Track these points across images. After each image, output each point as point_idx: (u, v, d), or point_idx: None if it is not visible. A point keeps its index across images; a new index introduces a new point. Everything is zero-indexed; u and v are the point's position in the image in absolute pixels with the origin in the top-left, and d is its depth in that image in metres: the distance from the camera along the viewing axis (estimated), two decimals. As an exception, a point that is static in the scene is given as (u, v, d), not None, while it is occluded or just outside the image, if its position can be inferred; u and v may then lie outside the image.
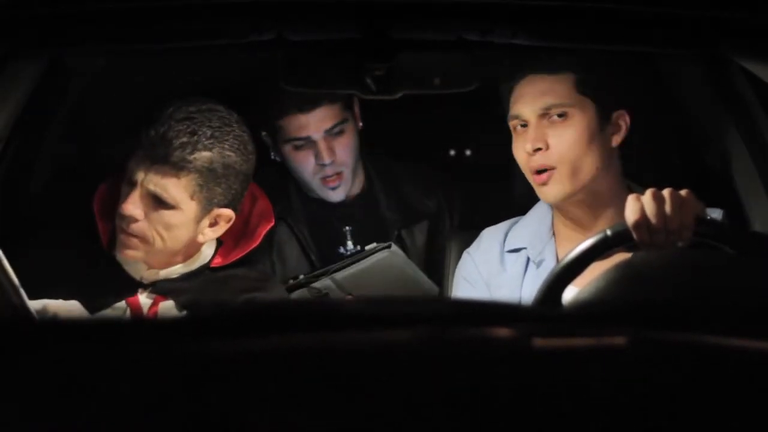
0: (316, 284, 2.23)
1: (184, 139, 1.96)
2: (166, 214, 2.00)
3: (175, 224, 2.01)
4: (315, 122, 2.34)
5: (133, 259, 2.05)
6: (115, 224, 2.05)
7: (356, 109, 2.43)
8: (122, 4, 1.64)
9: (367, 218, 2.48)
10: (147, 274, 2.09)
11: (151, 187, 1.98)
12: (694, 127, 2.31)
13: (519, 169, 2.28)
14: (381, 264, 2.25)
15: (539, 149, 1.98)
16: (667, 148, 2.37)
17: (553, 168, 1.98)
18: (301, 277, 2.27)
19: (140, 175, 1.98)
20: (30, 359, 0.86)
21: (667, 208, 1.67)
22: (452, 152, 2.80)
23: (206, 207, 2.02)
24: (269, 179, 2.46)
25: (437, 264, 2.38)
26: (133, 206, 1.98)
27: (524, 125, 2.02)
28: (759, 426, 0.79)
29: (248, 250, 2.17)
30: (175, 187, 1.98)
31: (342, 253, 2.44)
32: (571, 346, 0.90)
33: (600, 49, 1.96)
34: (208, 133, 1.98)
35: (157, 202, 1.99)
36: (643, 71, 2.28)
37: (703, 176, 2.25)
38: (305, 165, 2.38)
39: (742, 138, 2.15)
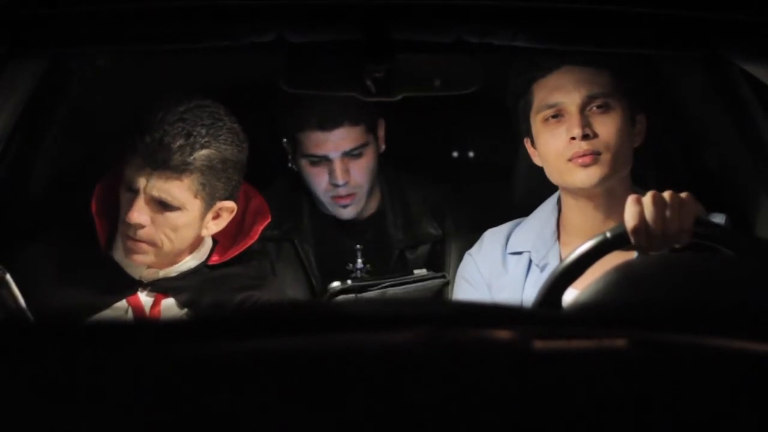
0: (364, 295, 2.20)
1: (181, 142, 1.97)
2: (173, 217, 2.01)
3: (182, 225, 2.03)
4: (334, 142, 2.31)
5: (143, 264, 2.07)
6: (120, 231, 2.06)
7: (381, 132, 2.40)
8: (122, 5, 1.64)
9: (376, 237, 2.46)
10: (146, 273, 2.10)
11: (155, 193, 1.99)
12: (694, 130, 2.31)
13: (520, 170, 2.29)
14: (433, 291, 2.23)
15: (587, 135, 1.97)
16: (668, 150, 2.37)
17: (599, 153, 1.97)
18: (349, 282, 2.23)
19: (142, 183, 1.99)
20: (30, 360, 0.86)
21: (667, 211, 1.66)
22: (455, 154, 2.80)
23: (209, 203, 2.04)
24: (282, 194, 2.45)
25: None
26: (138, 214, 1.99)
27: (556, 116, 2.00)
28: (759, 427, 0.79)
29: (245, 247, 2.18)
30: (179, 189, 1.99)
31: (350, 270, 2.42)
32: (571, 349, 0.90)
33: (600, 51, 1.97)
34: (203, 131, 1.99)
35: (163, 206, 2.00)
36: (645, 73, 2.28)
37: (703, 178, 2.25)
38: (318, 181, 2.36)
39: (742, 140, 2.15)
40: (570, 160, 1.98)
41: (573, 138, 1.97)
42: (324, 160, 2.34)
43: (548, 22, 1.69)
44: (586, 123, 1.97)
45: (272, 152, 2.44)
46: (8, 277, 1.76)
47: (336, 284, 2.20)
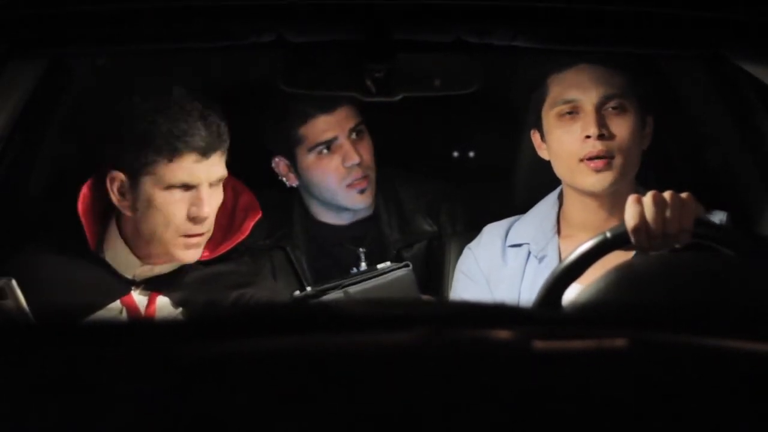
0: (326, 298, 2.20)
1: (206, 125, 2.00)
2: (218, 194, 2.06)
3: (219, 200, 2.07)
4: (339, 121, 2.33)
5: (196, 257, 2.07)
6: (163, 236, 2.04)
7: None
8: (122, 5, 1.64)
9: (372, 239, 2.45)
10: (141, 271, 2.09)
11: (215, 178, 2.03)
12: (695, 129, 2.31)
13: (519, 168, 2.29)
14: (399, 282, 2.22)
15: (603, 135, 1.97)
16: (669, 150, 2.37)
17: (612, 157, 1.97)
18: (309, 289, 2.23)
19: (202, 175, 2.01)
20: (29, 360, 0.86)
21: (667, 211, 1.66)
22: (450, 153, 2.80)
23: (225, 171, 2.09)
24: (273, 202, 2.45)
25: (435, 283, 2.36)
26: (208, 207, 2.02)
27: (571, 112, 2.01)
28: (759, 427, 0.79)
29: (235, 243, 2.17)
30: (222, 164, 2.04)
31: (354, 274, 2.42)
32: (571, 349, 0.90)
33: (600, 51, 1.97)
34: (208, 109, 2.03)
35: (214, 188, 2.04)
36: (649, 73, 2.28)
37: (704, 178, 2.25)
38: (331, 172, 2.35)
39: (743, 139, 2.15)
40: (582, 160, 1.98)
41: (588, 137, 1.97)
42: (333, 145, 2.33)
43: (548, 22, 1.68)
44: (602, 122, 1.97)
45: (264, 161, 2.44)
46: (13, 283, 1.76)
47: (296, 293, 2.20)
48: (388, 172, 2.50)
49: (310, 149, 2.35)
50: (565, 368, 0.86)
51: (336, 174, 2.35)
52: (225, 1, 1.64)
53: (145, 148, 2.00)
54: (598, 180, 1.98)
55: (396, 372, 0.83)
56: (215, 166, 2.03)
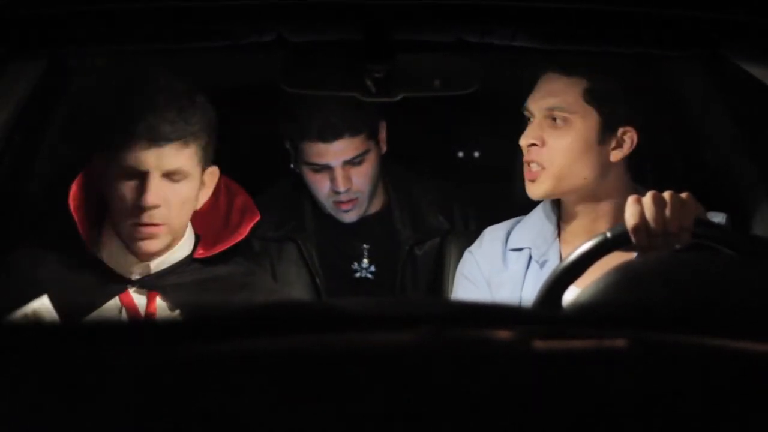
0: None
1: (176, 111, 1.98)
2: (183, 189, 2.02)
3: (189, 196, 2.04)
4: (335, 152, 2.31)
5: (153, 250, 2.05)
6: (121, 223, 2.03)
7: (382, 134, 2.40)
8: (122, 5, 1.64)
9: (383, 235, 2.46)
10: (137, 268, 2.08)
11: (167, 167, 1.99)
12: (694, 129, 2.31)
13: (520, 169, 2.29)
14: None
15: (534, 145, 2.01)
16: (668, 150, 2.37)
17: (542, 167, 2.01)
18: None
19: (150, 162, 1.98)
20: (30, 360, 0.86)
21: (667, 211, 1.66)
22: (459, 153, 2.80)
23: (204, 168, 2.06)
24: (284, 194, 2.45)
25: (446, 281, 2.36)
26: (155, 195, 1.98)
27: (529, 119, 2.05)
28: (759, 427, 0.79)
29: (232, 243, 2.16)
30: (187, 158, 2.00)
31: (355, 269, 2.42)
32: (571, 349, 0.90)
33: (601, 51, 1.97)
34: (185, 98, 2.01)
35: (173, 181, 2.01)
36: (644, 72, 2.28)
37: (703, 178, 2.25)
38: (320, 187, 2.36)
39: (742, 140, 2.15)
40: (527, 166, 2.04)
41: (529, 144, 2.03)
42: (325, 168, 2.34)
43: (548, 22, 1.68)
44: (539, 132, 2.02)
45: (274, 153, 2.44)
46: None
47: None
48: (402, 171, 2.51)
49: (304, 163, 2.36)
50: (565, 368, 0.86)
51: (324, 190, 2.37)
52: (225, 1, 1.64)
53: (120, 131, 2.00)
54: (532, 189, 2.05)
55: (397, 372, 0.83)
56: (170, 157, 1.99)
